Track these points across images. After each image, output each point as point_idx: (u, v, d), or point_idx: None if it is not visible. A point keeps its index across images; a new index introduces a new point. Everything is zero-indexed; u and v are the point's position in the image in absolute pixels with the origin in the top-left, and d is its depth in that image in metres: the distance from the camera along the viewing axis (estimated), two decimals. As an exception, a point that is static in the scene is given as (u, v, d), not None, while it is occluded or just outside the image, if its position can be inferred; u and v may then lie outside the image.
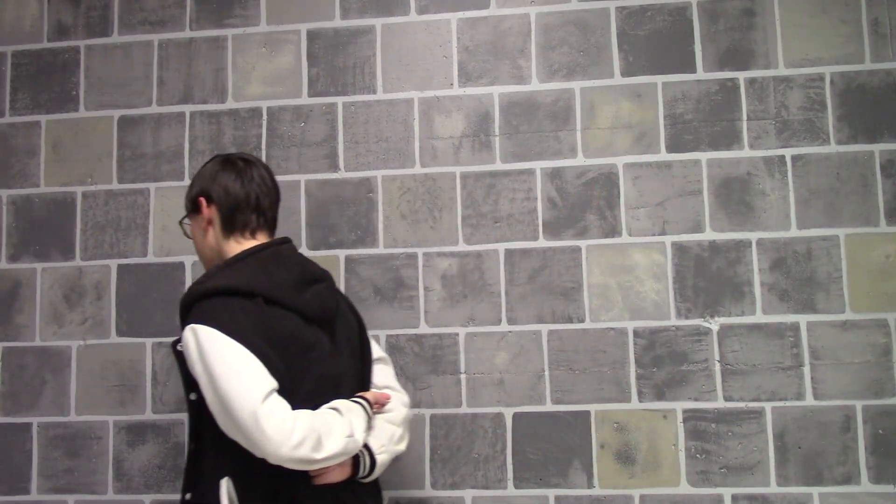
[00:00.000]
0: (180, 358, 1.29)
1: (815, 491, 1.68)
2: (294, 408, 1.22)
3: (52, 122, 1.95)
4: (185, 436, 1.81)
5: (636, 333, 1.76)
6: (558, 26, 1.86)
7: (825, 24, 1.80)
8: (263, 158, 1.88)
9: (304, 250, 1.85)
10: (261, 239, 1.40)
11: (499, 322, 1.78)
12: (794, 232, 1.75)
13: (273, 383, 1.22)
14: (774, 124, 1.78)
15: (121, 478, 1.82)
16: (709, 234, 1.77)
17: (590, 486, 1.72)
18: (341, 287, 1.83)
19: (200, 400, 1.27)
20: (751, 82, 1.80)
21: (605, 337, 1.76)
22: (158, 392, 1.84)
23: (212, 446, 1.28)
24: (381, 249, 1.83)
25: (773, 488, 1.69)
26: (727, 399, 1.72)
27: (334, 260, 1.84)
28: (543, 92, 1.84)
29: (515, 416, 1.75)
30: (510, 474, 1.74)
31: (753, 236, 1.76)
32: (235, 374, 1.20)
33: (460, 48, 1.87)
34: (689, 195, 1.78)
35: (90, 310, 1.88)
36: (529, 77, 1.85)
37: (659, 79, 1.82)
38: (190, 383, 1.29)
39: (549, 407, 1.75)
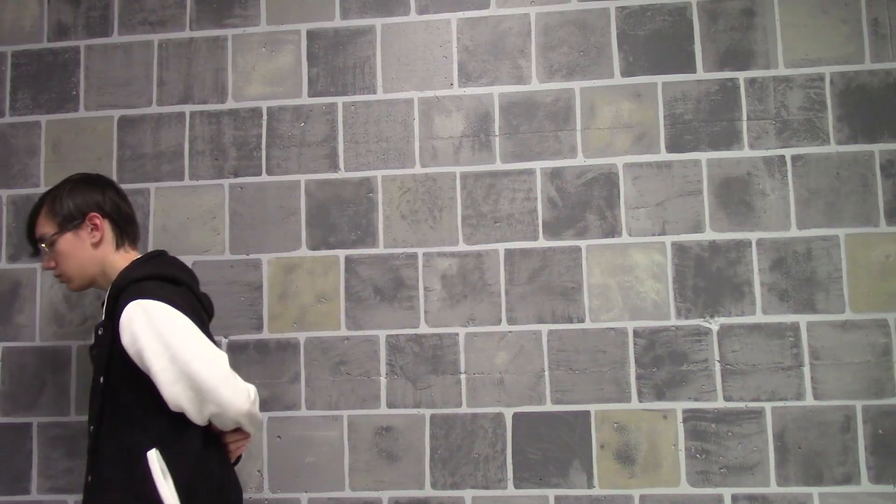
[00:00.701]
0: (100, 341, 1.37)
1: (815, 491, 1.68)
2: None
3: (52, 122, 1.95)
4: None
5: (636, 333, 1.75)
6: (558, 26, 1.86)
7: (825, 24, 1.80)
8: (263, 158, 1.88)
9: (304, 250, 1.85)
10: (140, 250, 1.56)
11: (499, 322, 1.78)
12: (794, 232, 1.75)
13: None
14: (774, 124, 1.78)
15: (121, 478, 1.82)
16: (709, 234, 1.77)
17: (590, 486, 1.72)
18: (342, 287, 1.83)
19: (111, 382, 1.35)
20: (751, 82, 1.80)
21: (605, 337, 1.76)
22: (158, 392, 1.84)
23: (132, 423, 1.34)
24: (381, 249, 1.83)
25: (773, 488, 1.69)
26: (727, 399, 1.72)
27: (334, 260, 1.84)
28: (543, 92, 1.84)
29: (515, 416, 1.75)
30: (510, 474, 1.74)
31: (753, 236, 1.76)
32: (196, 340, 1.33)
33: (460, 48, 1.87)
34: (689, 195, 1.78)
35: (90, 310, 1.88)
36: (529, 77, 1.85)
37: (659, 79, 1.82)
38: (107, 365, 1.36)
39: (549, 407, 1.75)
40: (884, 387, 1.69)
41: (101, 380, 1.37)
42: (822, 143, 1.77)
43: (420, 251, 1.82)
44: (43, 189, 1.92)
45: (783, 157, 1.78)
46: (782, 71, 1.80)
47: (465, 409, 1.77)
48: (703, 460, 1.71)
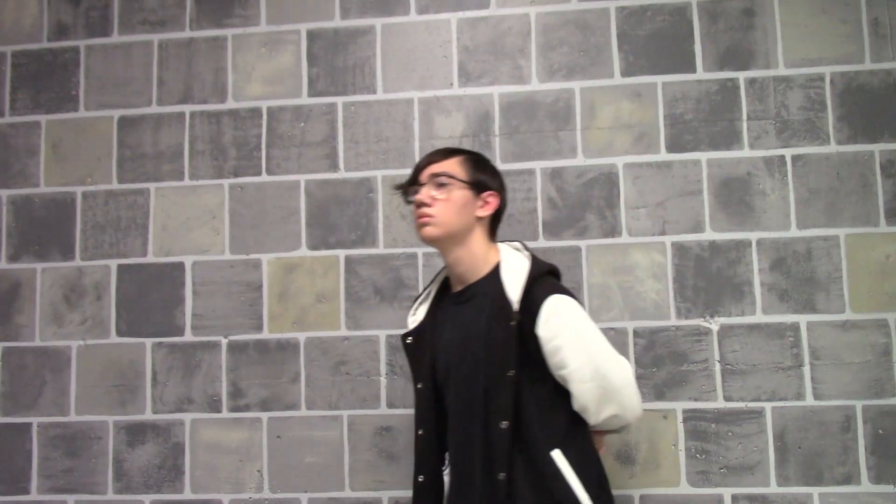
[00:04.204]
0: (511, 332, 1.30)
1: (815, 491, 1.68)
2: None
3: (52, 122, 1.95)
4: (182, 436, 1.82)
5: (636, 333, 1.75)
6: (558, 26, 1.86)
7: (825, 24, 1.80)
8: (263, 158, 1.88)
9: (304, 250, 1.85)
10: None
11: (499, 322, 1.78)
12: (794, 232, 1.75)
13: None
14: (774, 124, 1.78)
15: (121, 478, 1.82)
16: (709, 234, 1.77)
17: (590, 486, 1.72)
18: (342, 287, 1.83)
19: (519, 376, 1.30)
20: (751, 82, 1.80)
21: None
22: (158, 392, 1.84)
23: (537, 420, 1.31)
24: (381, 249, 1.83)
25: (773, 488, 1.69)
26: (727, 399, 1.72)
27: (334, 260, 1.83)
28: (543, 92, 1.84)
29: (515, 416, 1.75)
30: (510, 474, 1.73)
31: (753, 236, 1.76)
32: (606, 341, 1.36)
33: (460, 48, 1.87)
34: (689, 195, 1.78)
35: (90, 310, 1.88)
36: (529, 77, 1.85)
37: (659, 79, 1.82)
38: (516, 358, 1.30)
39: (549, 407, 1.74)
40: (884, 387, 1.69)
41: (511, 374, 1.30)
42: (822, 143, 1.77)
43: (420, 251, 1.82)
44: (43, 189, 1.92)
45: (783, 157, 1.77)
46: (782, 71, 1.80)
47: (465, 409, 1.76)
48: (703, 460, 1.71)
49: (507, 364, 1.30)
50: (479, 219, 1.41)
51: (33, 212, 1.92)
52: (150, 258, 1.88)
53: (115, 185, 1.91)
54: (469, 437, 1.34)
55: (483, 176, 1.43)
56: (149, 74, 1.94)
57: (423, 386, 1.44)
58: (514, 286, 1.33)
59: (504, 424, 1.28)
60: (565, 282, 1.76)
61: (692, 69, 1.81)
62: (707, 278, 1.76)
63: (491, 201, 1.42)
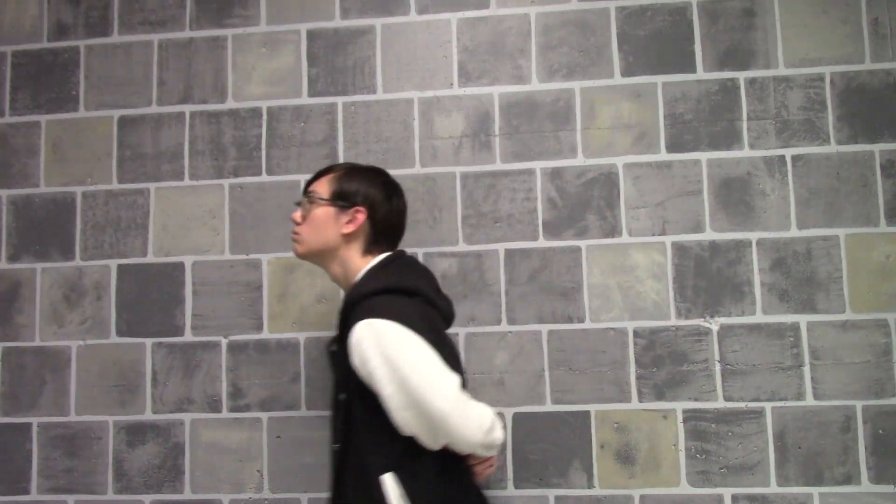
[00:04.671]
0: (336, 358, 1.31)
1: (815, 491, 1.68)
2: None
3: (52, 122, 1.95)
4: (182, 436, 1.82)
5: (636, 333, 1.75)
6: (558, 26, 1.86)
7: (825, 24, 1.80)
8: (263, 158, 1.88)
9: (304, 250, 1.85)
10: (387, 250, 1.46)
11: (499, 322, 1.78)
12: (794, 232, 1.75)
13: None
14: (774, 124, 1.78)
15: (120, 478, 1.82)
16: (709, 234, 1.77)
17: (590, 486, 1.72)
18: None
19: (351, 399, 1.29)
20: (751, 82, 1.80)
21: (605, 337, 1.76)
22: (158, 392, 1.84)
23: (369, 444, 1.28)
24: (381, 249, 1.83)
25: (773, 488, 1.69)
26: (727, 399, 1.72)
27: (334, 260, 1.83)
28: (543, 92, 1.84)
29: (515, 416, 1.75)
30: (510, 474, 1.74)
31: (753, 236, 1.76)
32: (427, 364, 1.24)
33: (460, 48, 1.87)
34: (689, 195, 1.78)
35: (90, 310, 1.88)
36: (529, 77, 1.85)
37: (659, 79, 1.82)
38: (345, 382, 1.30)
39: (549, 407, 1.75)
40: (884, 387, 1.69)
41: (342, 397, 1.30)
42: (822, 143, 1.77)
43: (420, 251, 1.82)
44: (43, 189, 1.92)
45: (783, 157, 1.78)
46: (782, 71, 1.80)
47: (465, 409, 1.76)
48: (703, 460, 1.71)
49: (338, 387, 1.32)
50: (347, 235, 1.41)
51: (33, 212, 1.92)
52: (150, 258, 1.88)
53: (115, 185, 1.91)
54: (330, 456, 1.38)
55: (350, 190, 1.42)
56: (149, 74, 1.94)
57: None
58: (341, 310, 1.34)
59: (335, 446, 1.31)
60: (565, 281, 1.78)
61: (692, 69, 1.82)
62: (707, 278, 1.76)
63: (358, 217, 1.41)
